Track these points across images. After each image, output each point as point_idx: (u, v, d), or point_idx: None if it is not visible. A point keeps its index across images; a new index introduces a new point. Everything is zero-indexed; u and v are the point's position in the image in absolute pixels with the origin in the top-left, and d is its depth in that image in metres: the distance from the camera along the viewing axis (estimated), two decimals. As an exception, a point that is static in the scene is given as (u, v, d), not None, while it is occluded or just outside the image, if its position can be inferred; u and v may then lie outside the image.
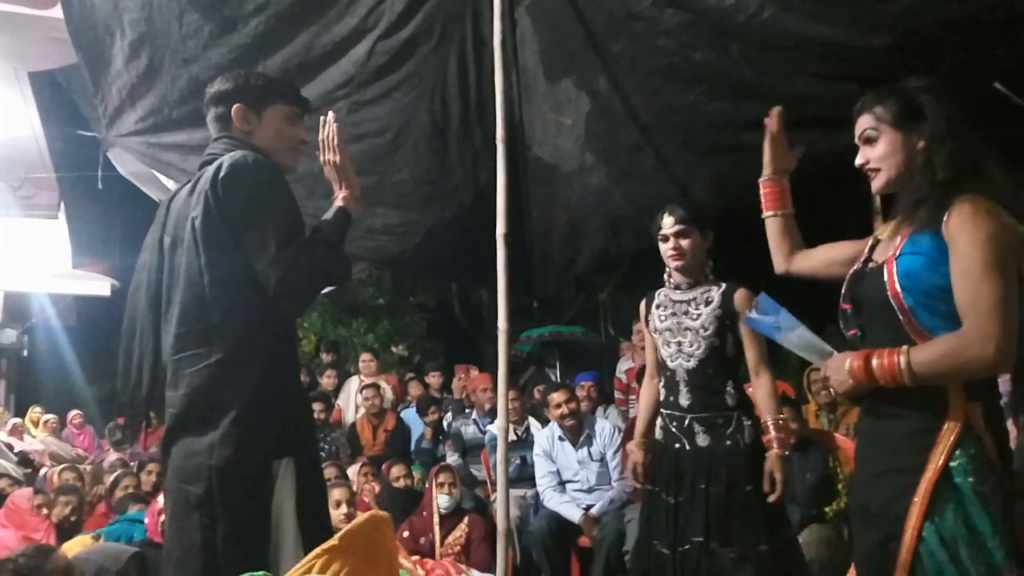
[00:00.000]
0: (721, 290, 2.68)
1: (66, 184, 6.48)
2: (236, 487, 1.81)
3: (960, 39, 2.56)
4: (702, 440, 2.64)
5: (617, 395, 5.62)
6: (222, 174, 1.88)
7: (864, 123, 1.72)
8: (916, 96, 1.66)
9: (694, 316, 2.68)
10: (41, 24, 4.03)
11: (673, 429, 2.70)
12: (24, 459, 6.29)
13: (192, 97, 3.46)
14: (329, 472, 4.32)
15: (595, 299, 11.51)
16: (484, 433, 5.24)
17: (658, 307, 2.81)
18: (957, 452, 1.52)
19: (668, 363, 2.75)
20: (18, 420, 7.74)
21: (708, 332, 2.64)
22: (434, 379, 6.92)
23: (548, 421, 5.03)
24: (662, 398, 2.78)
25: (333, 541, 1.51)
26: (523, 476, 4.53)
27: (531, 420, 5.00)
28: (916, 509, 1.54)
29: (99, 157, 4.20)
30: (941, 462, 1.53)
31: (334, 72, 3.37)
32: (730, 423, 2.62)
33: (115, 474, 4.98)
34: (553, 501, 4.17)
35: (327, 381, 6.94)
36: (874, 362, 1.59)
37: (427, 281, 12.36)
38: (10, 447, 6.62)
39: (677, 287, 2.77)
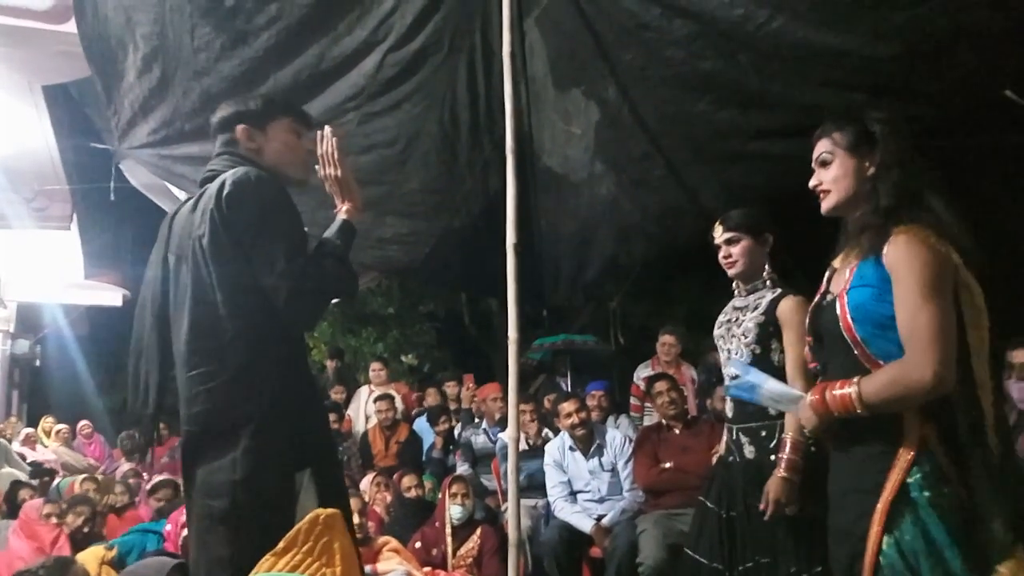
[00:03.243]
0: (771, 297, 2.60)
1: (79, 196, 6.53)
2: (260, 500, 1.81)
3: (970, 47, 2.56)
4: (749, 452, 2.57)
5: (634, 402, 5.57)
6: (226, 191, 1.87)
7: (821, 147, 1.81)
8: (872, 126, 1.75)
9: (740, 322, 2.64)
10: (54, 38, 4.07)
11: (728, 441, 2.67)
12: (37, 469, 6.31)
13: (204, 109, 3.48)
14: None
15: (605, 308, 11.49)
16: (494, 442, 5.24)
17: (722, 314, 2.77)
18: (914, 469, 1.60)
19: (723, 371, 2.72)
20: (31, 430, 7.79)
21: (748, 339, 2.58)
22: (451, 389, 6.92)
23: (559, 430, 5.02)
24: None
25: (284, 543, 1.50)
26: (534, 485, 4.52)
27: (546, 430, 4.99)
28: (876, 526, 1.61)
29: (111, 169, 4.23)
30: (898, 480, 1.60)
31: (344, 84, 3.40)
32: (773, 435, 2.51)
33: (158, 479, 5.04)
34: (564, 511, 4.16)
35: (335, 395, 6.94)
36: (828, 395, 1.68)
37: (436, 290, 12.37)
38: (23, 457, 6.66)
39: (739, 294, 2.73)
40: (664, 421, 4.17)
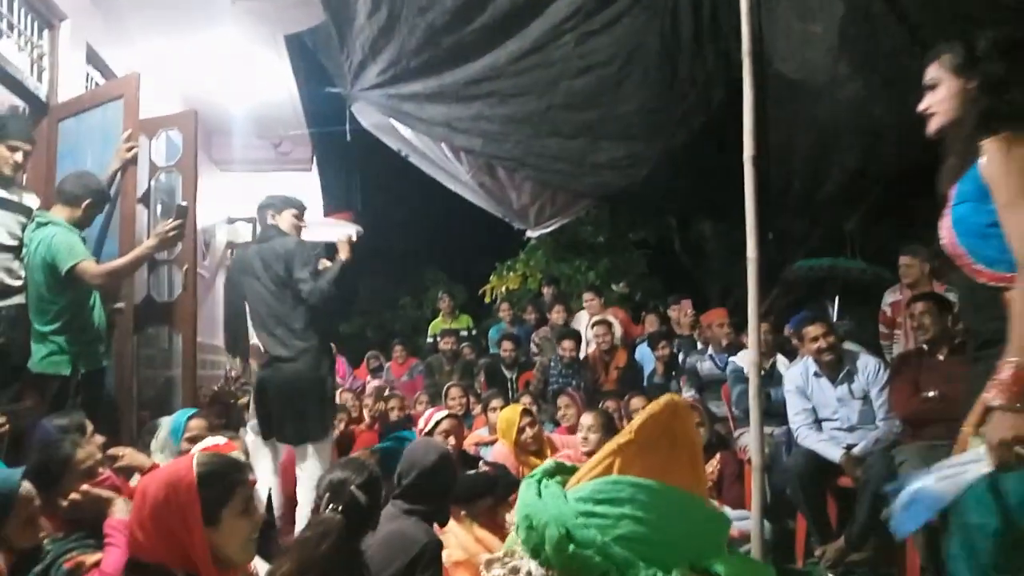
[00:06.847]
0: None
1: (317, 139, 7.07)
2: None
3: None
4: None
5: (882, 330, 5.06)
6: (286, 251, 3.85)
7: (930, 72, 1.85)
8: (979, 46, 1.77)
9: None
10: (294, -13, 4.35)
11: None
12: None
13: (428, 45, 3.58)
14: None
15: (839, 229, 10.56)
16: (722, 368, 5.08)
17: None
18: None
19: None
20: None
21: None
22: (674, 313, 6.82)
23: (790, 355, 4.75)
24: None
25: (628, 435, 1.41)
26: (768, 412, 4.31)
27: (779, 356, 4.75)
28: None
29: (345, 112, 4.48)
30: None
31: (562, 3, 3.32)
32: None
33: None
34: (809, 439, 3.92)
35: (556, 316, 7.05)
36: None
37: (647, 217, 12.11)
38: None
39: None
40: (925, 346, 3.76)
